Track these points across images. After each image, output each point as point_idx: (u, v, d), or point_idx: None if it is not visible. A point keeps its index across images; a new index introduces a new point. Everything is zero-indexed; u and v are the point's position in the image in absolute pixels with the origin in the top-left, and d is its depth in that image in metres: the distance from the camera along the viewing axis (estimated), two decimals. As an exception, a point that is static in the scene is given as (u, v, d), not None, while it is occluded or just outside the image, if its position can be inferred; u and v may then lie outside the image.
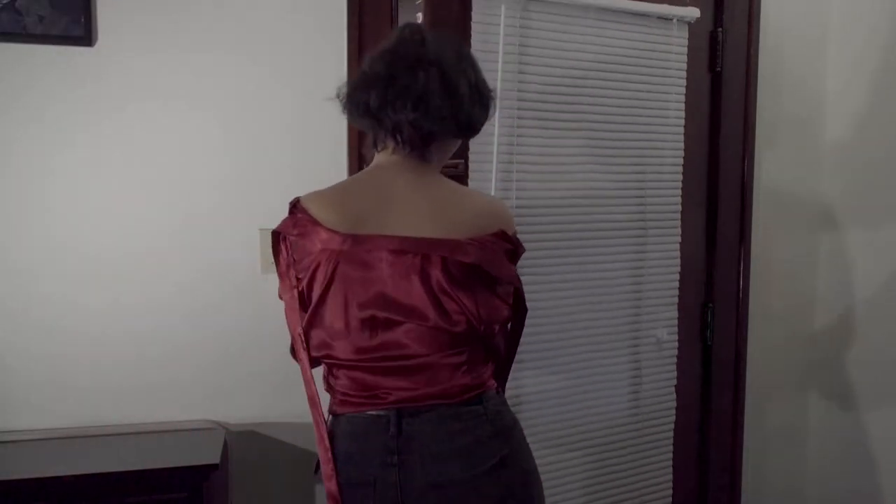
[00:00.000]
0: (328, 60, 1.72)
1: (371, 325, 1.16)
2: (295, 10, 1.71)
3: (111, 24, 1.62)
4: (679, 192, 2.09)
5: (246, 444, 1.76)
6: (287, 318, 1.25)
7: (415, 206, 1.21)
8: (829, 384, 2.24)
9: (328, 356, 1.21)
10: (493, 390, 1.26)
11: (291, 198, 1.71)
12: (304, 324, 1.21)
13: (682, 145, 2.07)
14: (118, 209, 1.66)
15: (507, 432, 1.23)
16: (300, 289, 1.20)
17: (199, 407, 1.73)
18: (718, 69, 2.10)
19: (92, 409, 1.67)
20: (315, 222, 1.19)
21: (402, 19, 1.78)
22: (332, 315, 1.17)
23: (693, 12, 2.00)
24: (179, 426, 1.70)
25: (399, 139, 1.22)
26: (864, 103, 2.11)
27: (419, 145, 1.23)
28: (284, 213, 1.72)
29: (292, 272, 1.22)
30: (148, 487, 1.46)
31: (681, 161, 2.07)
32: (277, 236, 1.24)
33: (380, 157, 1.29)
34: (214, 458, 1.51)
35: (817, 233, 2.25)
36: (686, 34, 2.03)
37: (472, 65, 1.26)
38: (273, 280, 1.73)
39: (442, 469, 1.16)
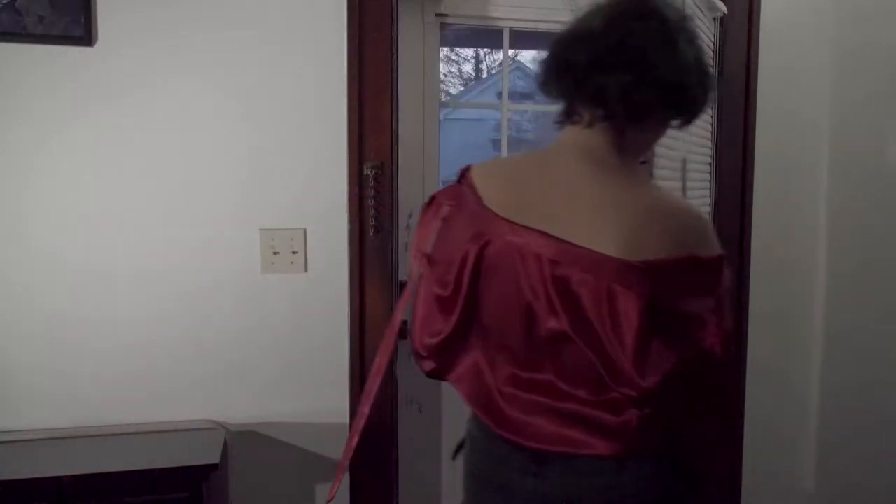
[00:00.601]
0: (328, 60, 1.72)
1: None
2: (295, 11, 1.71)
3: (111, 24, 1.62)
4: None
5: (246, 444, 1.76)
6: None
7: (590, 205, 0.99)
8: (827, 382, 2.24)
9: None
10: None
11: (292, 198, 1.73)
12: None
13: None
14: (118, 209, 1.66)
15: None
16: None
17: (199, 407, 1.73)
18: (720, 69, 2.10)
19: (92, 410, 1.67)
20: (476, 196, 1.04)
21: (403, 19, 1.78)
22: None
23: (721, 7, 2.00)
24: (179, 426, 1.70)
25: (602, 109, 1.00)
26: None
27: (624, 119, 1.00)
28: (284, 213, 1.74)
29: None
30: (148, 487, 1.46)
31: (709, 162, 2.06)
32: (432, 200, 1.10)
33: (566, 135, 1.06)
34: (214, 458, 1.51)
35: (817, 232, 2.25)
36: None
37: (696, 37, 1.04)
38: (273, 280, 1.74)
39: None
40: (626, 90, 0.98)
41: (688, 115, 1.06)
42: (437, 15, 2.14)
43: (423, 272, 1.10)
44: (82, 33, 1.59)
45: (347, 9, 1.71)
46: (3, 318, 1.62)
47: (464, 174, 1.09)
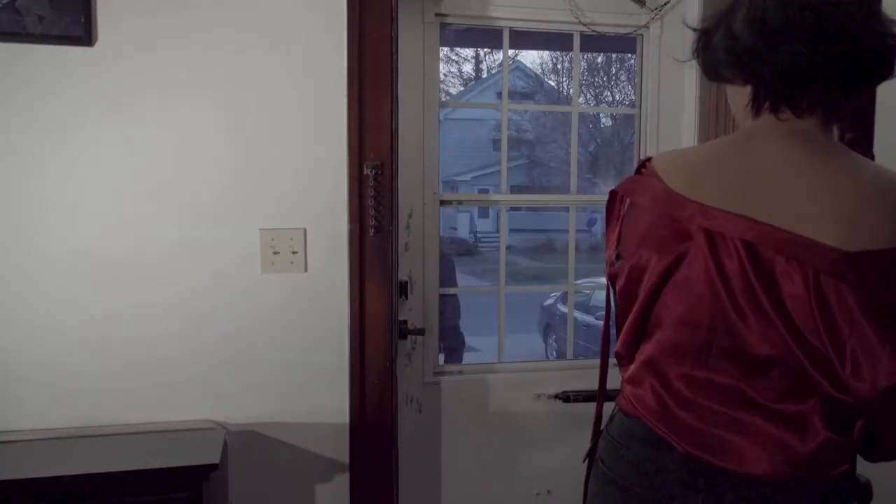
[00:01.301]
0: (328, 60, 1.72)
1: None
2: (295, 11, 1.71)
3: (111, 24, 1.62)
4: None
5: (246, 444, 1.76)
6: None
7: (800, 190, 0.88)
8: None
9: None
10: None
11: (292, 198, 1.73)
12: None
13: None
14: (118, 209, 1.66)
15: None
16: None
17: (199, 407, 1.73)
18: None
19: (92, 409, 1.67)
20: (659, 181, 0.96)
21: (403, 19, 1.78)
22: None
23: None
24: (179, 426, 1.70)
25: (777, 89, 0.92)
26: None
27: (841, 96, 0.92)
28: (284, 213, 1.74)
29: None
30: (148, 487, 1.46)
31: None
32: (614, 196, 1.03)
33: (763, 119, 0.97)
34: (214, 458, 1.51)
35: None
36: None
37: None
38: (273, 280, 1.74)
39: None
40: (841, 63, 0.88)
41: (884, 75, 0.93)
42: (437, 15, 2.14)
43: (611, 281, 1.03)
44: (82, 33, 1.59)
45: (347, 9, 1.71)
46: (3, 316, 1.62)
47: (644, 164, 1.01)
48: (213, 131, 1.69)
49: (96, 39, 1.62)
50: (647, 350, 0.99)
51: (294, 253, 1.74)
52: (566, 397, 2.19)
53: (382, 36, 1.73)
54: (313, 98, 1.73)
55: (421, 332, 2.16)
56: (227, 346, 1.73)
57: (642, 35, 2.25)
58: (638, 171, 1.02)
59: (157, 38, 1.64)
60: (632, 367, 1.02)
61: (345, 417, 1.80)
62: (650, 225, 0.95)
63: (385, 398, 1.81)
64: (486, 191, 15.97)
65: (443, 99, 2.16)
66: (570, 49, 2.29)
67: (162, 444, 1.62)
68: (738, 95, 0.99)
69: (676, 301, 0.93)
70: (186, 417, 1.72)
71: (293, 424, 1.78)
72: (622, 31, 2.22)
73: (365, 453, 1.81)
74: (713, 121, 1.87)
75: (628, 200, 1.01)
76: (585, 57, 11.64)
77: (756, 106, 0.95)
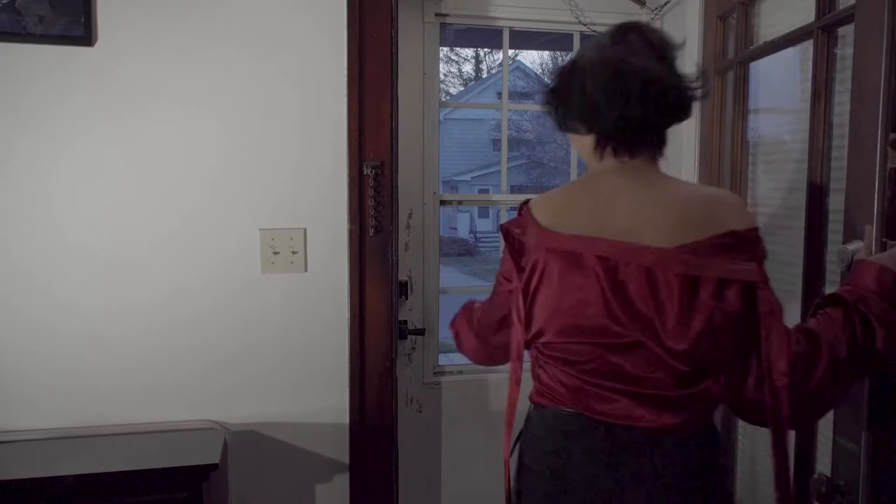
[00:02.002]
0: (328, 60, 1.72)
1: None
2: (295, 11, 1.71)
3: (111, 24, 1.62)
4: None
5: (246, 444, 1.76)
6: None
7: (635, 209, 1.15)
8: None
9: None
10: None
11: (291, 198, 1.73)
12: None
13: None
14: (118, 209, 1.66)
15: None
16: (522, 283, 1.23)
17: (199, 407, 1.73)
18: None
19: (92, 409, 1.68)
20: (534, 222, 1.23)
21: (403, 19, 1.79)
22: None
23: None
24: (179, 426, 1.70)
25: (617, 138, 1.19)
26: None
27: (659, 144, 1.21)
28: (284, 213, 1.74)
29: (513, 266, 1.27)
30: (148, 487, 1.46)
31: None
32: (507, 233, 1.31)
33: (598, 164, 1.23)
34: (214, 458, 1.51)
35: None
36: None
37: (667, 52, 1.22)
38: (273, 280, 1.74)
39: None
40: (657, 113, 1.16)
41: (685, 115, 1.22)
42: (437, 15, 2.14)
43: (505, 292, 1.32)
44: (82, 33, 1.59)
45: (347, 9, 1.71)
46: (4, 316, 1.62)
47: (521, 207, 1.29)
48: (213, 131, 1.69)
49: (96, 40, 1.62)
50: (539, 347, 1.23)
51: (294, 253, 1.74)
52: None
53: (382, 36, 1.73)
54: (313, 98, 1.73)
55: (421, 332, 2.16)
56: (228, 345, 1.74)
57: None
58: (519, 213, 1.29)
59: (157, 39, 1.64)
60: (532, 365, 1.27)
61: (345, 417, 1.80)
62: (531, 250, 1.22)
63: (385, 398, 1.81)
64: (486, 191, 15.98)
65: (443, 99, 2.16)
66: (570, 49, 2.29)
67: (162, 444, 1.62)
68: (584, 142, 1.24)
69: (554, 307, 1.18)
70: (186, 417, 1.72)
71: (293, 424, 1.78)
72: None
73: (365, 453, 1.81)
74: (716, 120, 1.87)
75: (517, 232, 1.27)
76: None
77: (599, 152, 1.21)
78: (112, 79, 1.63)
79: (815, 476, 1.16)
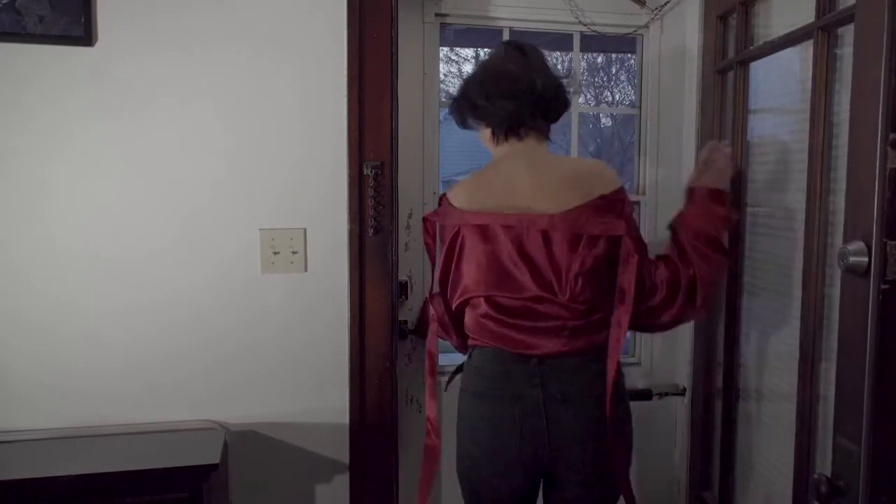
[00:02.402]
0: (328, 60, 1.72)
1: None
2: (295, 11, 1.71)
3: (111, 24, 1.62)
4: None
5: (246, 444, 1.76)
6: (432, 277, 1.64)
7: (529, 184, 1.49)
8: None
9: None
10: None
11: (291, 198, 1.74)
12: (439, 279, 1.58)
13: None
14: (118, 209, 1.66)
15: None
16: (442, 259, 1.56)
17: (199, 407, 1.73)
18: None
19: (92, 409, 1.68)
20: (451, 205, 1.54)
21: (403, 19, 1.79)
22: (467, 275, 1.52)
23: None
24: (179, 426, 1.71)
25: (503, 127, 1.56)
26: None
27: (545, 130, 1.58)
28: (284, 213, 1.75)
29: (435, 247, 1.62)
30: (148, 487, 1.46)
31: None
32: (425, 221, 1.64)
33: (497, 150, 1.59)
34: (214, 458, 1.51)
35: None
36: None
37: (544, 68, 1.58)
38: (273, 280, 1.74)
39: None
40: (534, 106, 1.54)
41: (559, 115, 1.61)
42: (437, 15, 2.14)
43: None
44: (82, 33, 1.59)
45: (347, 9, 1.71)
46: (3, 316, 1.62)
47: (441, 200, 1.60)
48: (213, 131, 1.69)
49: (96, 39, 1.62)
50: (469, 305, 1.55)
51: (294, 253, 1.74)
52: None
53: (382, 36, 1.73)
54: (313, 98, 1.73)
55: (421, 332, 2.16)
56: (228, 346, 1.74)
57: (642, 35, 2.25)
58: (439, 205, 1.60)
59: (157, 39, 1.64)
60: (468, 321, 1.57)
61: (345, 417, 1.80)
62: (446, 228, 1.55)
63: (385, 398, 1.81)
64: (486, 191, 15.89)
65: (443, 99, 2.16)
66: (570, 49, 2.29)
67: (162, 444, 1.62)
68: (484, 135, 1.61)
69: (468, 272, 1.51)
70: (186, 417, 1.72)
71: (293, 424, 1.78)
72: (622, 31, 2.22)
73: (365, 453, 1.81)
74: (716, 120, 1.87)
75: (438, 224, 1.58)
76: (585, 57, 11.61)
77: (495, 139, 1.58)
78: (112, 79, 1.63)
79: (815, 476, 1.16)
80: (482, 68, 1.58)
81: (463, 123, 1.63)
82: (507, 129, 1.55)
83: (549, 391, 1.47)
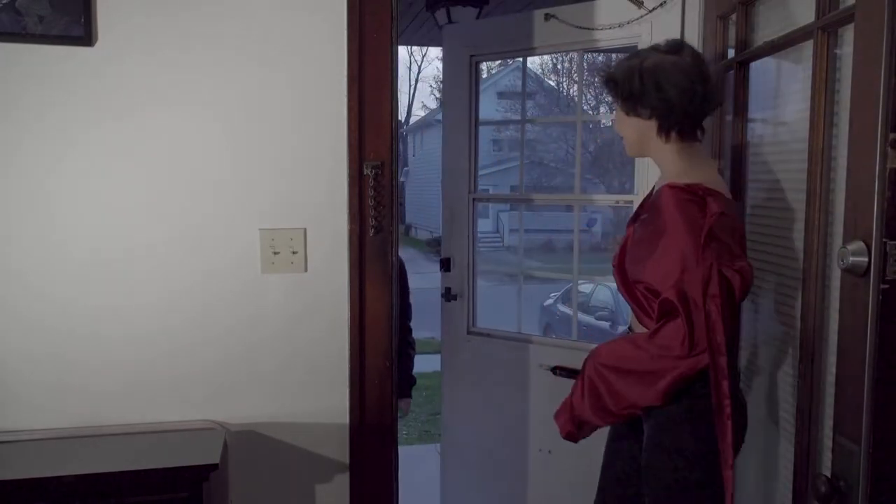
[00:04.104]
0: (328, 60, 1.72)
1: None
2: (295, 11, 1.71)
3: (111, 24, 1.62)
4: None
5: (246, 444, 1.76)
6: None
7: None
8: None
9: None
10: None
11: (292, 198, 1.73)
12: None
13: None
14: (118, 209, 1.66)
15: None
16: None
17: (199, 407, 1.73)
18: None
19: (92, 409, 1.67)
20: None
21: (403, 19, 1.78)
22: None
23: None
24: (179, 426, 1.70)
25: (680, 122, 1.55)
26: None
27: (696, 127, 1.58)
28: (284, 214, 1.74)
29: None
30: (148, 487, 1.46)
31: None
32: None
33: (659, 145, 1.57)
34: (214, 458, 1.51)
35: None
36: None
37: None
38: (273, 280, 1.74)
39: None
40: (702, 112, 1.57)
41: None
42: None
43: None
44: (82, 33, 1.59)
45: (347, 9, 1.71)
46: (3, 315, 1.62)
47: (707, 194, 1.49)
48: (212, 131, 1.69)
49: (96, 39, 1.62)
50: None
51: (294, 253, 1.74)
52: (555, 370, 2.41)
53: (382, 36, 1.73)
54: (313, 98, 1.72)
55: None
56: (228, 346, 1.73)
57: (639, 41, 2.25)
58: (710, 198, 1.45)
59: (156, 39, 1.64)
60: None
61: (345, 417, 1.80)
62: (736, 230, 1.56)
63: (385, 398, 1.81)
64: (486, 190, 15.95)
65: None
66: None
67: (162, 444, 1.62)
68: (642, 125, 1.57)
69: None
70: (186, 417, 1.72)
71: (293, 424, 1.78)
72: (621, 41, 2.22)
73: (365, 453, 1.81)
74: (716, 120, 1.86)
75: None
76: (585, 57, 11.61)
77: (664, 134, 1.55)
78: (112, 79, 1.63)
79: (816, 476, 1.16)
80: (671, 64, 1.51)
81: (630, 110, 1.57)
82: (685, 126, 1.55)
83: None
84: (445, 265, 2.77)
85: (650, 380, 1.44)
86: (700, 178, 1.48)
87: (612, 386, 1.48)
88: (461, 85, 2.69)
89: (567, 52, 2.37)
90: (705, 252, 1.38)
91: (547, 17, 2.36)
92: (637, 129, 1.57)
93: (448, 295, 2.75)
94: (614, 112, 1.64)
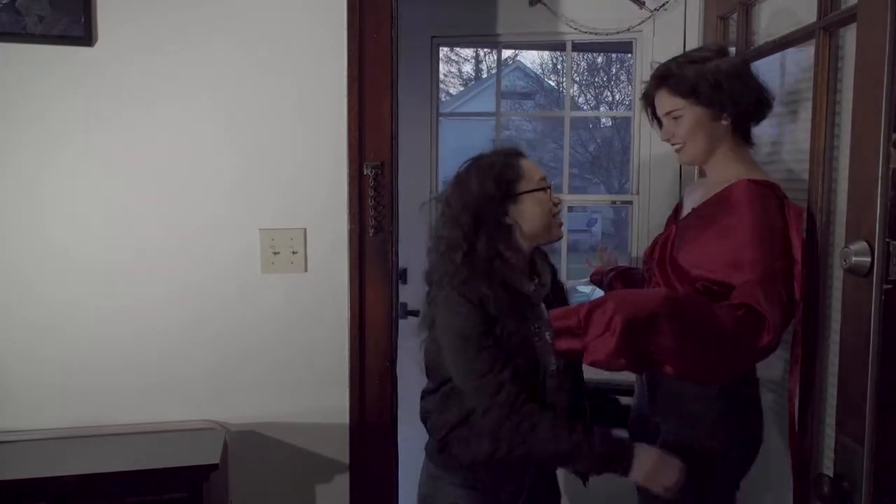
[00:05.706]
0: (329, 60, 1.72)
1: None
2: (295, 11, 1.70)
3: (111, 24, 1.62)
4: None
5: (246, 444, 1.76)
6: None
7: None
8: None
9: None
10: None
11: (292, 198, 1.73)
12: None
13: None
14: (118, 209, 1.66)
15: None
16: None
17: (199, 407, 1.73)
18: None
19: (92, 409, 1.67)
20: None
21: (403, 19, 1.79)
22: None
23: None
24: (179, 426, 1.70)
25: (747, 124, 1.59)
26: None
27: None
28: (284, 213, 1.74)
29: None
30: (148, 487, 1.46)
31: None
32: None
33: (731, 143, 1.57)
34: (214, 458, 1.51)
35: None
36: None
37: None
38: (273, 280, 1.74)
39: None
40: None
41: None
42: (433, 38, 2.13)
43: None
44: (82, 33, 1.59)
45: (347, 9, 1.71)
46: (3, 316, 1.62)
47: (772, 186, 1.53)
48: (213, 131, 1.69)
49: (96, 39, 1.61)
50: None
51: (294, 253, 1.74)
52: None
53: (382, 36, 1.73)
54: (313, 98, 1.72)
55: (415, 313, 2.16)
56: (228, 346, 1.73)
57: (638, 36, 2.25)
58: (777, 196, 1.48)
59: (156, 39, 1.64)
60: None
61: (345, 417, 1.79)
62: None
63: (385, 398, 1.81)
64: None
65: (443, 99, 2.16)
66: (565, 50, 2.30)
67: (162, 444, 1.61)
68: (715, 125, 1.54)
69: None
70: (186, 417, 1.72)
71: (293, 424, 1.78)
72: (618, 36, 2.22)
73: (365, 453, 1.81)
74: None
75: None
76: (585, 57, 11.61)
77: (740, 133, 1.56)
78: (112, 79, 1.63)
79: (819, 475, 1.16)
80: (745, 64, 1.60)
81: (723, 109, 1.53)
82: (747, 128, 1.59)
83: None
84: (402, 277, 2.30)
85: (736, 355, 1.42)
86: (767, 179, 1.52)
87: (699, 333, 1.38)
88: (420, 72, 2.38)
89: (552, 45, 2.30)
90: (792, 251, 1.42)
91: (532, 2, 2.20)
92: (709, 133, 1.54)
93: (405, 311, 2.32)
94: (669, 121, 1.58)
